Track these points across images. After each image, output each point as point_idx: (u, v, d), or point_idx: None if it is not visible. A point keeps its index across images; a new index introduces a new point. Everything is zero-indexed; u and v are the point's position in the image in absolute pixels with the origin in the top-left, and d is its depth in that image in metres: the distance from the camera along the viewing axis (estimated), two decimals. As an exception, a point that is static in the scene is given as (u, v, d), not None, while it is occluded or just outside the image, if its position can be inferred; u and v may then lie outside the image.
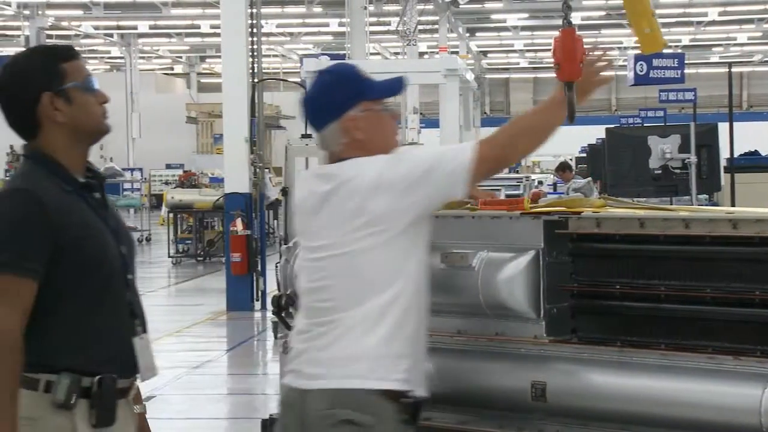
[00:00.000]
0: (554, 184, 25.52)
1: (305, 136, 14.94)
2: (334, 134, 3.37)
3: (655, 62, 18.97)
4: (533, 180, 27.59)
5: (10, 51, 38.30)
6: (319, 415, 3.26)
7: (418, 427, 3.38)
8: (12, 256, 2.97)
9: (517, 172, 40.22)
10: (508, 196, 14.20)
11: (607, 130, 14.84)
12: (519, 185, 20.94)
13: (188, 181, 26.49)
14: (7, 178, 25.10)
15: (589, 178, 18.14)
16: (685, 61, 20.30)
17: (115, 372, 3.12)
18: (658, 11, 38.36)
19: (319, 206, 3.33)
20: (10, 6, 35.90)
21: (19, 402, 3.03)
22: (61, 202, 3.06)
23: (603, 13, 39.42)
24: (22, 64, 3.16)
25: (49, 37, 38.91)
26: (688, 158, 12.37)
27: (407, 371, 3.26)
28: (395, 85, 3.48)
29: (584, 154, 31.63)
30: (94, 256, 3.11)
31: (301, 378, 3.34)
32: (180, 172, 35.37)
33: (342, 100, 3.36)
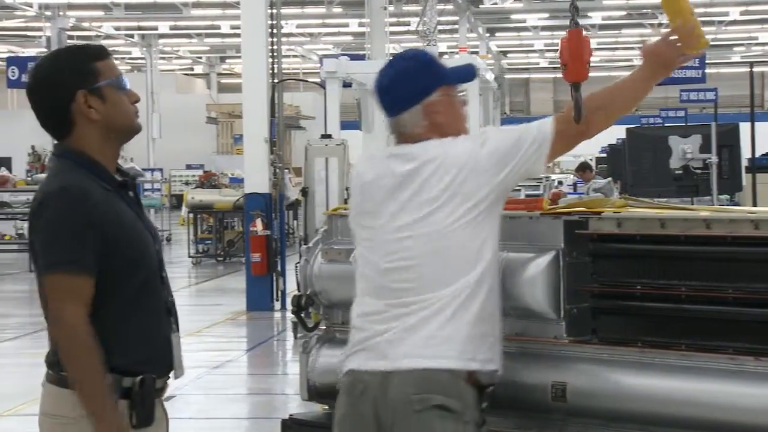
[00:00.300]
0: (574, 185, 25.45)
1: (325, 136, 14.96)
2: (415, 117, 3.43)
3: (676, 62, 18.91)
4: (553, 180, 27.56)
5: (32, 51, 38.49)
6: (407, 399, 3.23)
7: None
8: (70, 254, 3.01)
9: (537, 172, 40.10)
10: (528, 196, 14.18)
11: (628, 131, 14.82)
12: (539, 185, 20.93)
13: (208, 181, 26.55)
14: (29, 178, 25.21)
15: (610, 179, 18.09)
16: (707, 61, 20.25)
17: (153, 371, 3.15)
18: (678, 11, 38.24)
19: (399, 186, 3.37)
20: (31, 7, 36.03)
21: (61, 401, 3.07)
22: (105, 200, 3.09)
23: (624, 12, 39.30)
24: (56, 63, 3.20)
25: (71, 38, 39.06)
26: (709, 158, 12.34)
27: (493, 351, 3.33)
28: (470, 72, 3.60)
29: (605, 154, 31.53)
30: (135, 254, 3.15)
31: (382, 359, 3.30)
32: (200, 172, 35.45)
33: (424, 85, 3.45)
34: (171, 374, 3.27)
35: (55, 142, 3.25)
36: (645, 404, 3.38)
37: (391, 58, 3.62)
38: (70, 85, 3.13)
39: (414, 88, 3.43)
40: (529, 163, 3.35)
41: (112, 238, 3.07)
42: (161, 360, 3.20)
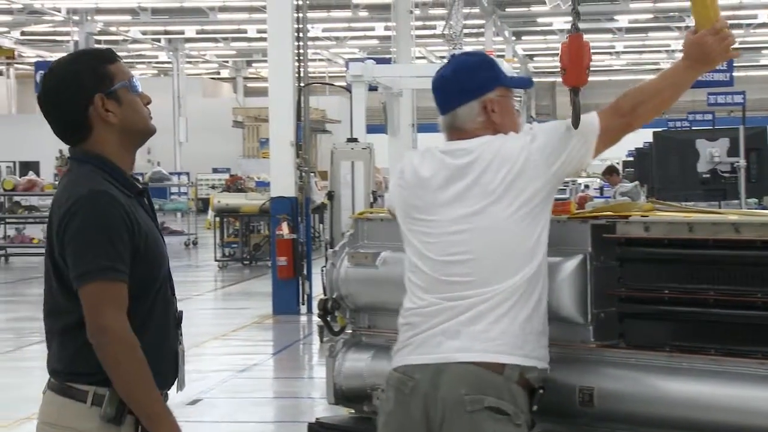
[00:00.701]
0: (601, 188, 25.41)
1: (351, 140, 14.97)
2: (472, 112, 3.49)
3: (704, 65, 18.84)
4: (580, 184, 27.50)
5: (60, 56, 38.70)
6: (459, 399, 3.23)
7: None
8: (106, 261, 2.95)
9: (564, 175, 40.01)
10: (555, 199, 14.12)
11: (655, 134, 14.75)
12: (565, 189, 20.88)
13: (234, 185, 26.61)
14: (56, 182, 25.32)
15: (637, 182, 18.02)
16: (734, 64, 20.14)
17: (161, 384, 3.10)
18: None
19: (455, 179, 3.41)
20: (59, 12, 36.28)
21: (66, 412, 3.03)
22: (128, 205, 3.07)
23: (650, 16, 39.18)
24: (70, 67, 3.15)
25: (98, 42, 39.28)
26: (737, 162, 12.27)
27: (546, 349, 3.37)
28: (527, 81, 3.87)
29: (631, 158, 31.44)
30: (154, 263, 3.11)
31: (434, 352, 3.30)
32: (226, 176, 35.54)
33: (484, 81, 3.52)
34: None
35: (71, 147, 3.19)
36: (673, 409, 3.36)
37: (452, 56, 3.75)
38: (88, 88, 3.10)
39: (475, 82, 3.50)
40: (578, 157, 3.40)
41: (137, 245, 3.03)
42: (169, 373, 3.17)
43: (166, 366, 3.15)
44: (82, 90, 3.10)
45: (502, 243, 3.32)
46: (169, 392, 3.19)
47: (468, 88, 3.49)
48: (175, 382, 3.22)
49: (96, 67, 3.13)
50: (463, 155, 3.42)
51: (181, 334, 3.25)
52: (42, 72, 32.14)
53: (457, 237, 3.35)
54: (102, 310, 2.94)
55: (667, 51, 48.60)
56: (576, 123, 3.39)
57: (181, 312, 3.25)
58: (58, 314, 3.08)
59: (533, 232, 3.35)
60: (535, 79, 57.66)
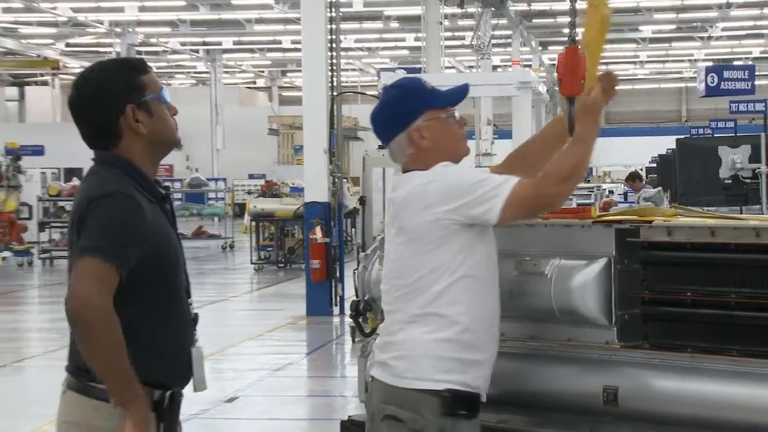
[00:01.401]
0: (624, 194, 25.27)
1: (382, 147, 14.98)
2: (401, 146, 3.40)
3: (726, 74, 18.74)
4: (604, 189, 27.39)
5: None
6: (376, 408, 3.32)
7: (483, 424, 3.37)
8: (112, 246, 2.91)
9: (588, 181, 39.91)
10: (579, 205, 14.10)
11: (678, 141, 14.69)
12: (590, 194, 20.80)
13: (270, 190, 26.67)
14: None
15: (660, 188, 17.93)
16: (756, 73, 19.99)
17: (176, 384, 3.10)
18: (729, 24, 37.89)
19: (392, 209, 3.40)
20: (102, 24, 36.52)
21: (90, 412, 3.02)
22: (150, 210, 3.05)
23: (674, 26, 38.99)
24: (103, 76, 3.11)
25: (139, 53, 39.50)
26: (759, 168, 12.20)
27: (464, 374, 3.25)
28: (458, 93, 3.46)
29: (654, 164, 31.28)
30: (169, 266, 3.10)
31: (372, 366, 3.46)
32: (262, 181, 35.60)
33: (407, 111, 3.38)
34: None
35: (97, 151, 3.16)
36: (696, 408, 3.35)
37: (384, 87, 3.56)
38: (120, 98, 3.07)
39: (396, 117, 3.38)
40: (479, 209, 3.22)
41: (153, 246, 3.01)
42: (184, 373, 3.14)
43: (182, 366, 3.13)
44: (114, 99, 3.07)
45: (400, 271, 3.30)
46: (183, 391, 3.16)
47: (393, 122, 3.38)
48: (191, 382, 3.18)
49: (128, 77, 3.11)
50: (397, 188, 3.39)
51: (196, 334, 3.22)
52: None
53: (388, 260, 3.41)
54: (88, 284, 2.89)
55: (689, 60, 48.33)
56: (571, 131, 3.36)
57: (197, 314, 3.23)
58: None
59: (436, 258, 3.25)
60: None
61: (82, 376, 3.05)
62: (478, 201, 3.21)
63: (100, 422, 3.00)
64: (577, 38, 3.52)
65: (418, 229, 3.26)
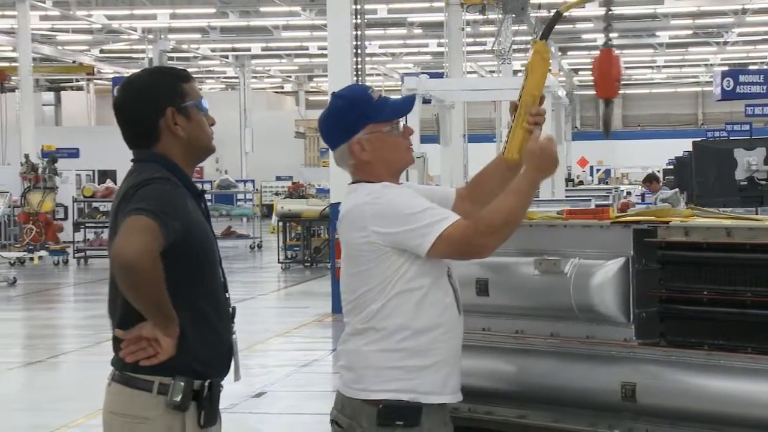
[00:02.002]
0: (642, 195, 25.17)
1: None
2: (343, 156, 3.35)
3: (742, 78, 18.66)
4: (622, 191, 27.26)
5: (136, 71, 39.11)
6: (331, 414, 3.35)
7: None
8: (157, 209, 2.95)
9: (606, 183, 39.80)
10: (597, 206, 14.05)
11: (694, 144, 14.62)
12: (608, 195, 20.70)
13: (297, 192, 26.72)
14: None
15: (677, 189, 17.85)
16: (772, 77, 19.87)
17: (217, 374, 3.14)
18: (743, 29, 37.69)
19: (339, 226, 3.40)
20: (135, 31, 36.71)
21: (135, 403, 3.07)
22: (190, 201, 3.13)
23: (690, 32, 38.81)
24: (148, 80, 3.24)
25: (170, 59, 39.67)
26: (774, 170, 12.12)
27: (406, 383, 3.22)
28: (403, 106, 3.37)
29: (671, 166, 31.14)
30: (206, 259, 3.14)
31: None
32: (289, 183, 35.71)
33: (349, 124, 3.32)
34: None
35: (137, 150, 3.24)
36: (712, 405, 3.33)
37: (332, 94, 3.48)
38: (161, 101, 3.16)
39: (338, 128, 3.33)
40: (410, 243, 3.16)
41: (192, 233, 3.05)
42: (224, 363, 3.19)
43: (222, 357, 3.18)
44: (155, 101, 3.17)
45: (347, 286, 3.29)
46: (223, 382, 3.20)
47: (336, 133, 3.33)
48: (231, 372, 3.24)
49: (171, 83, 3.20)
50: (343, 201, 3.38)
51: (235, 330, 3.27)
52: (118, 83, 32.48)
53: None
54: (138, 234, 2.90)
55: (705, 65, 48.11)
56: (607, 133, 3.33)
57: (234, 308, 3.28)
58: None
59: (374, 276, 3.22)
60: (579, 93, 57.52)
61: (125, 367, 3.10)
62: (411, 234, 3.16)
63: (143, 411, 3.06)
64: (611, 42, 3.48)
65: (353, 247, 3.24)
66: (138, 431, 3.07)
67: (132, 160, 3.22)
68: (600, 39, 39.25)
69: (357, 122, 3.30)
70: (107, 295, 3.19)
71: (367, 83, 17.11)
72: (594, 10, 32.12)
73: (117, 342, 3.12)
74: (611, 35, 3.33)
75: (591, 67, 3.29)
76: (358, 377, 3.24)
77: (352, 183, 3.37)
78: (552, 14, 3.50)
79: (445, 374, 3.28)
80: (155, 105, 3.16)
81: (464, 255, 3.24)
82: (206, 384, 3.09)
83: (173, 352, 3.01)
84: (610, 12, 3.42)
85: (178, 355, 3.02)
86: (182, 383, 3.04)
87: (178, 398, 3.04)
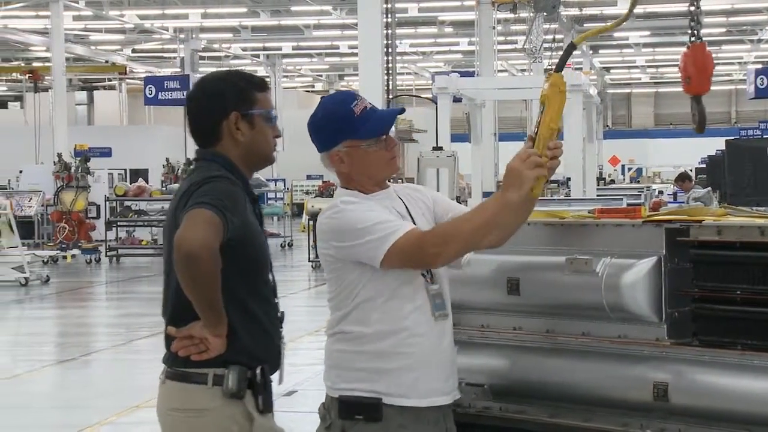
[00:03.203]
0: (674, 194, 25.02)
1: (436, 148, 14.96)
2: (326, 163, 3.46)
3: (775, 76, 18.51)
4: (654, 190, 27.11)
5: (167, 71, 39.37)
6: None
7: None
8: (219, 204, 3.01)
9: (638, 182, 39.61)
10: (629, 205, 13.99)
11: (727, 142, 14.53)
12: (640, 194, 20.61)
13: (327, 191, 26.77)
14: (164, 188, 25.65)
15: (709, 188, 17.74)
16: (805, 75, 19.70)
17: (267, 362, 3.21)
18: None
19: None
20: (167, 30, 36.90)
21: (192, 396, 3.11)
22: (247, 204, 3.18)
23: (723, 29, 38.55)
24: (222, 81, 3.30)
25: (202, 58, 39.84)
26: (808, 169, 12.01)
27: (362, 381, 3.32)
28: (382, 124, 3.41)
29: (704, 165, 30.95)
30: (259, 260, 3.20)
31: None
32: (319, 182, 35.80)
33: (327, 137, 3.40)
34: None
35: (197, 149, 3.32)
36: (746, 404, 3.30)
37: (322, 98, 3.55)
38: (228, 104, 3.22)
39: (318, 139, 3.41)
40: (364, 256, 3.26)
41: (246, 235, 3.10)
42: (273, 363, 3.25)
43: (270, 354, 3.23)
44: (222, 103, 3.23)
45: (329, 288, 3.39)
46: (268, 371, 3.26)
47: (317, 142, 3.41)
48: (277, 375, 3.30)
49: (242, 88, 3.27)
50: None
51: (283, 334, 3.33)
52: (151, 87, 32.64)
53: None
54: (202, 227, 2.94)
55: (739, 63, 47.76)
56: (701, 128, 3.27)
57: (283, 313, 3.32)
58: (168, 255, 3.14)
59: (339, 284, 3.33)
60: (611, 91, 57.26)
61: (177, 363, 3.13)
62: (364, 248, 3.25)
63: (203, 404, 3.10)
64: (701, 35, 3.42)
65: (321, 256, 3.38)
66: (200, 424, 3.11)
67: (194, 159, 3.31)
68: (633, 38, 39.11)
69: (335, 137, 3.39)
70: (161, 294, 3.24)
71: (398, 82, 17.10)
72: (626, 8, 31.96)
73: (169, 339, 3.17)
74: (699, 30, 3.29)
75: (681, 62, 3.21)
76: (327, 375, 3.40)
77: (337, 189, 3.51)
78: (566, 46, 3.50)
79: (415, 377, 3.34)
80: (221, 107, 3.22)
81: (418, 265, 3.31)
82: (258, 371, 3.15)
83: (223, 350, 3.06)
84: (697, 7, 3.38)
85: (228, 348, 3.07)
86: (236, 371, 3.10)
87: (234, 386, 3.09)
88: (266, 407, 3.17)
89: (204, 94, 3.27)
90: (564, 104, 3.32)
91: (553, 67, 3.36)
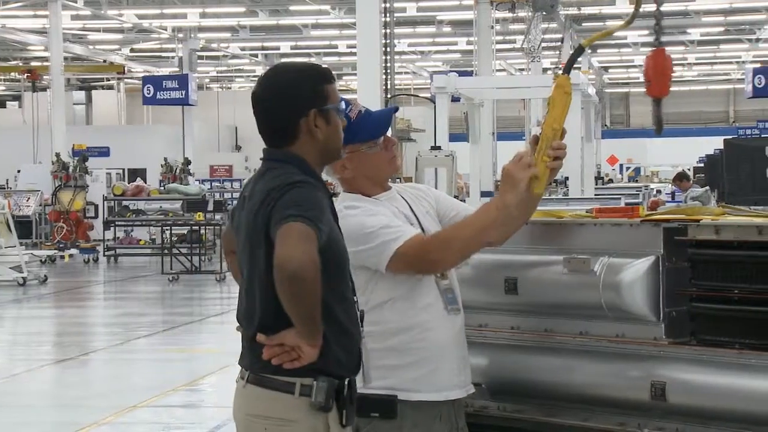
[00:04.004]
0: (672, 193, 25.02)
1: (434, 148, 14.96)
2: (329, 171, 3.46)
3: (773, 75, 18.52)
4: (652, 189, 27.12)
5: (165, 71, 39.34)
6: None
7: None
8: (310, 215, 2.91)
9: (636, 181, 39.62)
10: (627, 204, 14.00)
11: (726, 141, 14.54)
12: (638, 194, 20.61)
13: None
14: (162, 188, 25.60)
15: (707, 187, 17.73)
16: (803, 74, 19.73)
17: (352, 372, 3.12)
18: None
19: None
20: (165, 30, 36.88)
21: (277, 405, 3.02)
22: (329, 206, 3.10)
23: (722, 28, 38.56)
24: (292, 77, 3.14)
25: (200, 58, 39.82)
26: (806, 168, 12.02)
27: (374, 380, 3.37)
28: (381, 125, 3.48)
29: (702, 164, 30.97)
30: (344, 259, 3.12)
31: None
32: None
33: None
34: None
35: (265, 147, 3.19)
36: (743, 403, 3.31)
37: None
38: (305, 101, 3.10)
39: None
40: (368, 261, 3.35)
41: (332, 238, 3.02)
42: (356, 365, 3.16)
43: (353, 358, 3.13)
44: (299, 101, 3.10)
45: None
46: (355, 383, 3.17)
47: None
48: (360, 374, 3.21)
49: (316, 83, 3.13)
50: None
51: (364, 332, 3.22)
52: (149, 86, 32.59)
53: None
54: (303, 243, 2.86)
55: (737, 62, 47.77)
56: (659, 131, 3.35)
57: (363, 311, 3.22)
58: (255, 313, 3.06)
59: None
60: (609, 90, 57.18)
61: (262, 369, 3.04)
62: (368, 254, 3.34)
63: (287, 414, 3.01)
64: (663, 39, 3.49)
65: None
66: None
67: (263, 159, 3.17)
68: (631, 37, 39.10)
69: None
70: (238, 298, 3.14)
71: (396, 81, 17.11)
72: (624, 7, 31.99)
73: (253, 345, 3.06)
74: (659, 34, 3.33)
75: (644, 65, 3.29)
76: None
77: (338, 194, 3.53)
78: (575, 48, 3.53)
79: (428, 372, 3.39)
80: (299, 105, 3.10)
81: (421, 270, 3.39)
82: (345, 383, 3.07)
83: (315, 359, 2.98)
84: (659, 10, 3.39)
85: (320, 356, 2.99)
86: (325, 384, 3.00)
87: (322, 399, 3.00)
88: (350, 420, 3.08)
89: (279, 91, 3.11)
90: (569, 106, 3.36)
91: (561, 68, 3.41)
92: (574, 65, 3.69)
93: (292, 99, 3.10)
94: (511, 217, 3.30)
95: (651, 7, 3.62)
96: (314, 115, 3.10)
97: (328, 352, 3.02)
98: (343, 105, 3.23)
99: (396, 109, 3.73)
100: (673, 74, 3.40)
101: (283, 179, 3.02)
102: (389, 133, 3.58)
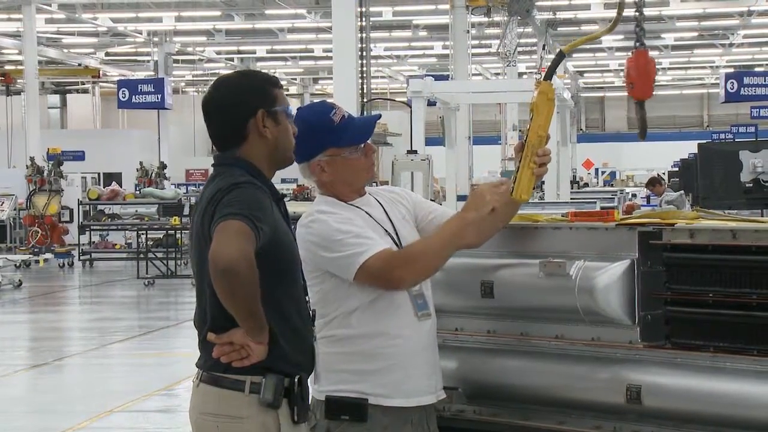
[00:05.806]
0: (647, 197, 25.16)
1: (411, 152, 14.98)
2: (305, 172, 3.53)
3: (746, 80, 18.66)
4: (627, 193, 27.25)
5: (141, 75, 39.21)
6: None
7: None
8: (249, 213, 2.96)
9: (612, 185, 39.78)
10: (602, 208, 14.06)
11: (700, 146, 14.59)
12: (613, 198, 20.70)
13: (301, 194, 26.74)
14: (137, 192, 25.49)
15: (682, 192, 17.83)
16: (777, 79, 19.88)
17: (304, 371, 3.17)
18: (750, 31, 37.69)
19: None
20: (141, 34, 36.75)
21: (227, 403, 3.07)
22: (273, 207, 3.14)
23: (695, 33, 38.79)
24: (241, 81, 3.25)
25: (176, 62, 39.69)
26: (779, 172, 12.10)
27: (341, 382, 3.43)
28: (364, 131, 3.53)
29: (677, 169, 31.12)
30: (291, 260, 3.17)
31: None
32: (294, 185, 35.72)
33: (308, 147, 3.46)
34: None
35: (216, 153, 3.25)
36: (717, 407, 3.32)
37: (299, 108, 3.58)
38: (253, 102, 3.17)
39: (300, 149, 3.39)
40: (336, 270, 3.38)
41: (276, 239, 3.07)
42: (308, 365, 3.21)
43: (305, 357, 3.19)
44: (248, 102, 3.18)
45: (311, 293, 3.42)
46: (306, 381, 3.22)
47: (296, 153, 3.36)
48: (312, 375, 3.27)
49: (263, 85, 3.22)
50: None
51: (315, 332, 3.29)
52: (124, 90, 32.45)
53: None
54: (237, 239, 2.90)
55: (711, 67, 48.06)
56: (643, 134, 3.37)
57: (314, 311, 3.29)
58: (199, 271, 3.11)
59: (321, 292, 3.42)
60: (585, 95, 57.38)
61: (213, 368, 3.10)
62: (336, 263, 3.37)
63: (237, 411, 3.07)
64: (645, 42, 3.51)
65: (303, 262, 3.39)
66: (233, 430, 3.08)
67: (213, 165, 3.24)
68: (606, 42, 39.24)
69: (317, 147, 3.47)
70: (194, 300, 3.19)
71: (372, 86, 17.11)
72: (600, 12, 32.13)
73: (205, 344, 3.12)
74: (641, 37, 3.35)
75: (625, 67, 3.30)
76: (314, 377, 3.40)
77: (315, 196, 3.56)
78: (556, 54, 3.55)
79: (399, 377, 3.42)
80: (247, 106, 3.17)
81: (384, 286, 3.41)
82: (296, 380, 3.11)
83: (265, 356, 3.03)
84: (640, 14, 3.41)
85: (269, 354, 3.04)
86: (273, 381, 3.06)
87: (270, 396, 3.05)
88: (301, 416, 3.13)
89: (227, 94, 3.20)
90: (553, 112, 3.39)
91: (541, 74, 3.43)
92: (542, 68, 3.72)
93: (238, 101, 3.18)
94: (473, 232, 3.38)
95: (630, 11, 3.64)
96: (262, 115, 3.17)
97: (278, 350, 3.07)
98: (291, 110, 3.27)
99: (379, 117, 3.77)
100: (656, 76, 3.41)
101: (228, 180, 3.08)
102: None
